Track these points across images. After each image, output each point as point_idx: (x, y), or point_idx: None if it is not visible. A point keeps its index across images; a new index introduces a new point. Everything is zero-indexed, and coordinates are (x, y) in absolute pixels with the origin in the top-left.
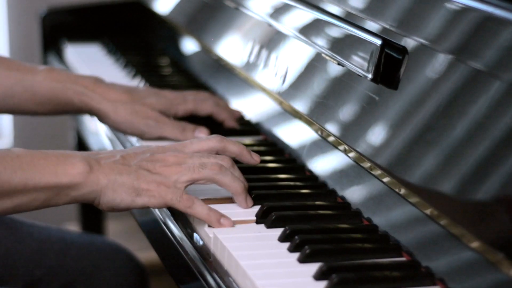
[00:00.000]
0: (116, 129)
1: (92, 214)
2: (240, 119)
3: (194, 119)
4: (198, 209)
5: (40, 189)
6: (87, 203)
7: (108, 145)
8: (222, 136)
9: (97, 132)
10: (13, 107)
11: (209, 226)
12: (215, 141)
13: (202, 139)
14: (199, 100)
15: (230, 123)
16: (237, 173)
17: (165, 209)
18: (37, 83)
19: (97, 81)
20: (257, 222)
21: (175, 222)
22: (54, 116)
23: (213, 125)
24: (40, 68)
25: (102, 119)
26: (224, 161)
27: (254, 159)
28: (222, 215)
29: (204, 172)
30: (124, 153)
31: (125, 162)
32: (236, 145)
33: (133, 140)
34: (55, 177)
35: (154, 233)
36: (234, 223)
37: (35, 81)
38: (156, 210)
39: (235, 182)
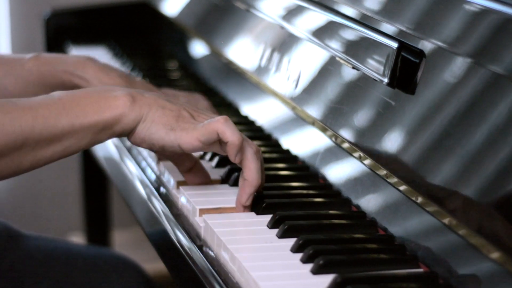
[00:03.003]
0: None
1: (98, 224)
2: (252, 124)
3: None
4: (229, 130)
5: (86, 128)
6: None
7: (114, 153)
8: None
9: None
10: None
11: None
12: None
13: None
14: (192, 100)
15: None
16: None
17: (173, 218)
18: (26, 71)
19: (89, 60)
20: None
21: (183, 232)
22: None
23: None
24: (28, 56)
25: None
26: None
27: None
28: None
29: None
30: (162, 94)
31: (170, 101)
32: (236, 135)
33: (142, 150)
34: (100, 113)
35: (162, 244)
36: (248, 234)
37: (24, 70)
38: (164, 218)
39: (236, 134)
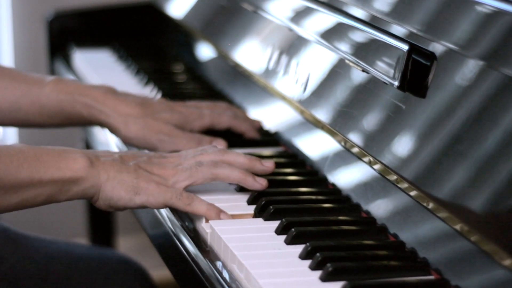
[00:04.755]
0: (128, 143)
1: (102, 229)
2: (259, 129)
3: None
4: (197, 206)
5: (45, 184)
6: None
7: None
8: (223, 149)
9: (107, 143)
10: (20, 120)
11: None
12: (215, 155)
13: (200, 151)
14: (216, 114)
15: (251, 133)
16: (232, 157)
17: (178, 224)
18: (44, 95)
19: (108, 92)
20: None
21: (188, 237)
22: (62, 128)
23: (231, 136)
24: (48, 79)
25: (112, 133)
26: (215, 154)
27: (266, 166)
28: (221, 210)
29: (202, 170)
30: (122, 154)
31: (124, 162)
32: (242, 156)
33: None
34: (59, 172)
35: (167, 249)
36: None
37: (42, 94)
38: (168, 222)
39: (234, 171)
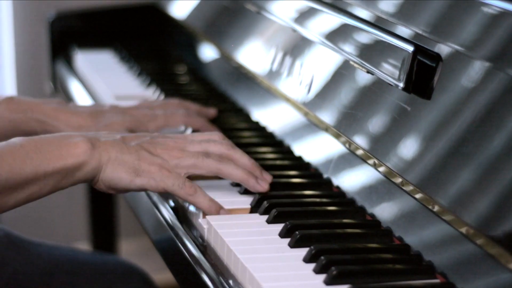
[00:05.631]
0: None
1: (104, 233)
2: (263, 130)
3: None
4: (200, 198)
5: (49, 175)
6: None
7: None
8: (231, 143)
9: None
10: None
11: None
12: (222, 146)
13: (208, 139)
14: (169, 114)
15: (206, 128)
16: (238, 154)
17: (181, 227)
18: None
19: (59, 106)
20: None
21: (191, 241)
22: None
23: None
24: (0, 98)
25: None
26: (223, 146)
27: (264, 178)
28: (221, 207)
29: (208, 162)
30: (124, 135)
31: (125, 142)
32: (246, 157)
33: None
34: (62, 160)
35: (170, 253)
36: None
37: None
38: (171, 225)
39: (238, 170)
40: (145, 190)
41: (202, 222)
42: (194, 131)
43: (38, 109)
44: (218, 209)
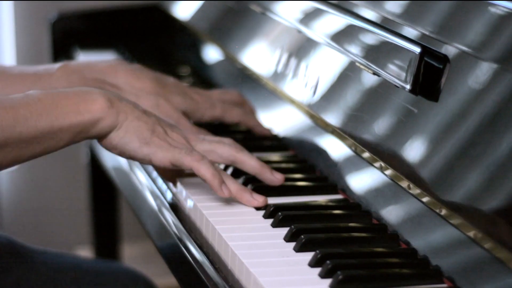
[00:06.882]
0: None
1: (106, 237)
2: (268, 133)
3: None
4: (204, 166)
5: (65, 130)
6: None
7: (124, 163)
8: (240, 146)
9: None
10: None
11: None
12: (230, 148)
13: (218, 141)
14: (227, 107)
15: (259, 129)
16: (246, 157)
17: (185, 232)
18: (54, 80)
19: (118, 64)
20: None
21: (196, 246)
22: None
23: (239, 136)
24: (56, 66)
25: None
26: (231, 149)
27: (276, 177)
28: (223, 182)
29: (224, 147)
30: (145, 109)
31: (145, 112)
32: (255, 160)
33: None
34: (78, 116)
35: (174, 257)
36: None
37: (52, 79)
38: (175, 231)
39: (252, 160)
40: (149, 162)
41: (212, 233)
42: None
43: (95, 68)
44: (221, 183)
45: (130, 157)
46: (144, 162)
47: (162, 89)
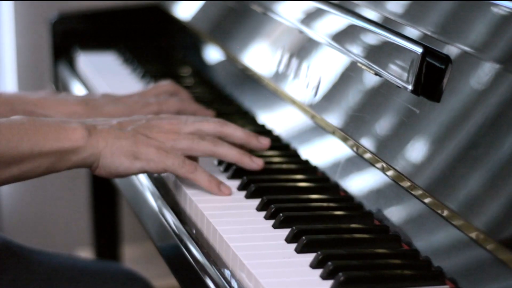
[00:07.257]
0: None
1: (107, 238)
2: (269, 134)
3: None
4: (200, 176)
5: (45, 155)
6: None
7: None
8: (224, 120)
9: None
10: None
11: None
12: (215, 124)
13: (201, 120)
14: (162, 100)
15: (201, 112)
16: (231, 129)
17: (186, 233)
18: None
19: (48, 95)
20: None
21: (197, 247)
22: None
23: None
24: None
25: None
26: (216, 124)
27: (261, 143)
28: (221, 182)
29: (203, 144)
30: (120, 120)
31: (122, 127)
32: (240, 130)
33: None
34: (58, 142)
35: (174, 259)
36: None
37: None
38: (176, 230)
39: (232, 150)
40: (145, 172)
41: (214, 235)
42: None
43: (25, 100)
44: (219, 185)
45: (127, 175)
46: (142, 173)
47: (91, 105)
